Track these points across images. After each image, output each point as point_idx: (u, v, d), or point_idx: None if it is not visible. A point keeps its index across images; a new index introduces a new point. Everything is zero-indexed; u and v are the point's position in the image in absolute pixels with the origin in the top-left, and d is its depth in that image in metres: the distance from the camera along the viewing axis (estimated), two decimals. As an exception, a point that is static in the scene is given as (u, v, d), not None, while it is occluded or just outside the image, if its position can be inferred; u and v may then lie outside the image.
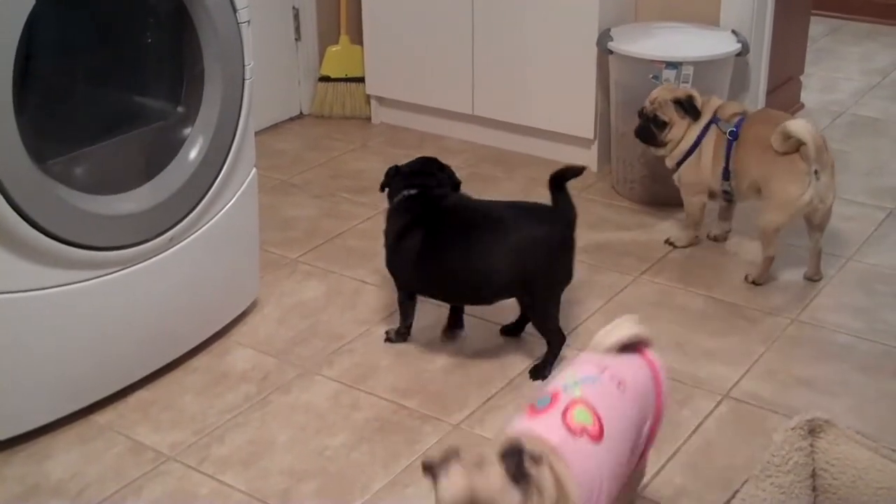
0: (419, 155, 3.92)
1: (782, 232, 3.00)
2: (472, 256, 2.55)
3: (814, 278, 3.06)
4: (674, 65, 3.32)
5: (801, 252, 3.09)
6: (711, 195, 3.19)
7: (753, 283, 3.03)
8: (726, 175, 3.09)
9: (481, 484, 1.56)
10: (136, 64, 2.63)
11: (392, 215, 2.70)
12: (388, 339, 2.77)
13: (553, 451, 1.66)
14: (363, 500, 2.21)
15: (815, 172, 2.88)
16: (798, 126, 2.87)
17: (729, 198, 3.18)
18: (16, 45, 2.07)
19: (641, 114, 3.19)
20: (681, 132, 3.13)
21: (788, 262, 3.05)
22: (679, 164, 3.18)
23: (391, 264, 2.69)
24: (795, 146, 2.87)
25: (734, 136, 3.05)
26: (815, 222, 3.00)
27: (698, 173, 3.14)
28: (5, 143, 2.09)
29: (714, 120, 3.11)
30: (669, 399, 2.02)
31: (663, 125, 3.14)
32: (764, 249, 3.02)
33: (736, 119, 3.08)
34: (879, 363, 2.68)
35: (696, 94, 3.14)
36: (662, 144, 3.17)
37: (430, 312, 2.83)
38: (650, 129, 3.17)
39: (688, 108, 3.10)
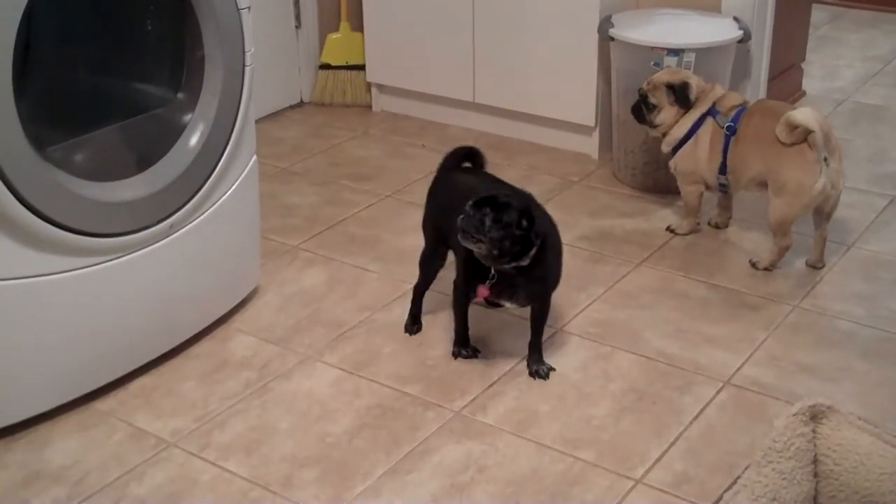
0: (421, 143, 3.95)
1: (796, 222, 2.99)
2: None
3: (816, 265, 3.05)
4: (675, 51, 3.31)
5: (803, 239, 3.08)
6: (707, 187, 3.18)
7: (766, 269, 3.02)
8: (723, 170, 3.08)
9: None
10: (136, 50, 2.62)
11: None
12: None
13: None
14: (365, 487, 2.21)
15: (825, 160, 2.86)
16: (804, 115, 2.84)
17: (725, 190, 3.17)
18: (15, 31, 2.06)
19: (640, 92, 3.20)
20: (669, 118, 3.12)
21: (790, 250, 3.04)
22: (674, 150, 3.17)
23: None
24: (803, 136, 2.84)
25: (731, 131, 3.04)
26: (826, 210, 2.98)
27: (694, 163, 3.13)
28: (5, 130, 2.09)
29: (712, 112, 3.09)
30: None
31: (652, 107, 3.14)
32: (779, 241, 3.00)
33: (734, 113, 3.05)
34: (881, 350, 2.68)
35: (693, 81, 3.11)
36: (652, 126, 3.18)
37: (429, 299, 2.83)
38: (641, 109, 3.18)
39: (678, 95, 3.09)
